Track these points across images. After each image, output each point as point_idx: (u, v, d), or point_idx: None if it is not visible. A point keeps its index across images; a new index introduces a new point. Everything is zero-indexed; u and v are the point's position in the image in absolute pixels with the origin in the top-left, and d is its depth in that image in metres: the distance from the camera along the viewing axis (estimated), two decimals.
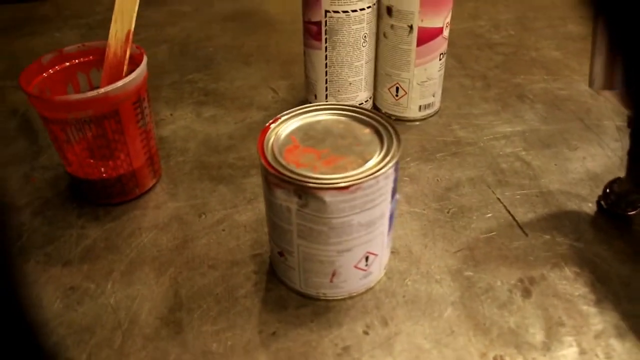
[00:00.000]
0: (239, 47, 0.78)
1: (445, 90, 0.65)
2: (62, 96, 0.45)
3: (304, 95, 0.62)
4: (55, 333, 0.41)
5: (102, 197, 0.51)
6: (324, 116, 0.42)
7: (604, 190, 0.49)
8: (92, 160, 0.49)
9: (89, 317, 0.42)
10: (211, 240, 0.48)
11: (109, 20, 0.50)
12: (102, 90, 0.44)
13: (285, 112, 0.41)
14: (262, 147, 0.38)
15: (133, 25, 0.49)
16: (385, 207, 0.38)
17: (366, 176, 0.36)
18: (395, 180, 0.39)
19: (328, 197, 0.35)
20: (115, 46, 0.50)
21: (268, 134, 0.40)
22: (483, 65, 0.71)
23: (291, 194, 0.37)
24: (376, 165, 0.36)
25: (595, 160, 0.55)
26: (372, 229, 0.39)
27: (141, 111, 0.48)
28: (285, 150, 0.39)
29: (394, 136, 0.39)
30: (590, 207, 0.50)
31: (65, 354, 0.39)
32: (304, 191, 0.36)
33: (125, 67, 0.50)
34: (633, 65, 0.39)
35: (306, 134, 0.40)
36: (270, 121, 0.41)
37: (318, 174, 0.36)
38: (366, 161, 0.37)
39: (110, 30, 0.50)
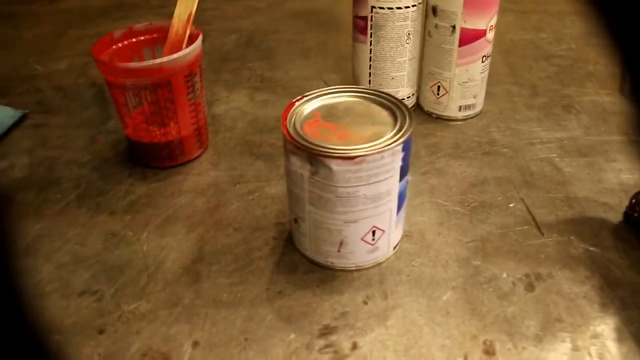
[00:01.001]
0: (300, 42, 0.82)
1: (491, 95, 0.66)
2: (122, 63, 0.51)
3: None
4: (92, 268, 0.46)
5: (151, 160, 0.57)
6: (348, 97, 0.45)
7: (630, 200, 0.49)
8: (145, 125, 0.54)
9: (123, 259, 0.47)
10: (240, 207, 0.52)
11: None
12: (157, 61, 0.50)
13: (311, 92, 0.45)
14: (285, 119, 0.42)
15: (195, 8, 0.55)
16: (392, 184, 0.41)
17: (372, 150, 0.38)
18: (405, 160, 0.41)
19: (334, 165, 0.38)
20: (178, 26, 0.56)
21: (293, 109, 0.43)
22: (535, 75, 0.72)
23: (304, 161, 0.40)
24: (383, 142, 0.39)
25: (633, 174, 0.54)
26: (378, 204, 0.41)
27: (192, 85, 0.53)
28: (306, 124, 0.42)
29: (407, 120, 0.41)
30: (615, 217, 0.50)
31: (96, 286, 0.45)
32: (315, 159, 0.39)
33: (184, 45, 0.55)
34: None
35: (328, 112, 0.43)
36: (297, 98, 0.44)
37: (329, 144, 0.39)
38: (377, 138, 0.40)
39: (175, 12, 0.56)
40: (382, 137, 0.40)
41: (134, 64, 0.49)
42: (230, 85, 0.72)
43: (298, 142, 0.39)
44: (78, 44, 0.85)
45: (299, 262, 0.46)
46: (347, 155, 0.38)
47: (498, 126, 0.62)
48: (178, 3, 0.56)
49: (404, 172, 0.42)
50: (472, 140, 0.60)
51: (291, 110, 0.43)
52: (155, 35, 0.58)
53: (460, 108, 0.62)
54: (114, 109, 0.55)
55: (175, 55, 0.50)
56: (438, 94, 0.62)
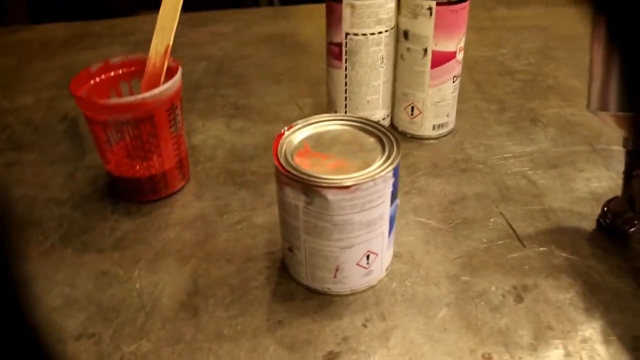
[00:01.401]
0: (270, 67, 0.83)
1: (461, 112, 0.68)
2: (104, 99, 0.50)
3: (326, 111, 0.67)
4: (86, 310, 0.46)
5: (134, 195, 0.56)
6: (334, 126, 0.46)
7: (602, 208, 0.51)
8: (127, 160, 0.54)
9: (117, 298, 0.47)
10: (230, 238, 0.52)
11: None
12: (139, 96, 0.50)
13: (299, 121, 0.46)
14: (276, 150, 0.43)
15: (172, 41, 0.55)
16: (384, 209, 0.42)
17: (365, 178, 0.39)
18: (395, 186, 0.42)
19: (330, 195, 0.39)
20: (155, 59, 0.56)
21: (282, 139, 0.44)
22: (501, 91, 0.75)
23: (299, 192, 0.41)
24: (375, 169, 0.40)
25: (600, 182, 0.58)
26: (372, 229, 0.42)
27: (174, 118, 0.54)
28: (296, 154, 0.43)
29: (395, 146, 0.43)
30: (589, 225, 0.52)
31: (92, 329, 0.44)
32: (310, 189, 0.40)
33: (162, 78, 0.55)
34: (631, 86, 0.42)
35: (317, 141, 0.45)
36: (286, 128, 0.45)
37: (323, 175, 0.40)
38: (368, 166, 0.41)
39: (152, 45, 0.56)
40: (372, 164, 0.41)
41: (115, 100, 0.50)
42: (205, 113, 0.72)
43: (291, 174, 0.40)
44: (43, 76, 0.84)
45: (295, 290, 0.47)
46: (342, 184, 0.39)
47: (471, 142, 0.64)
48: (154, 35, 0.56)
49: (393, 196, 0.43)
50: (448, 158, 0.62)
51: (280, 141, 0.44)
52: (132, 68, 0.58)
53: (434, 127, 0.64)
54: (95, 145, 0.55)
55: (157, 90, 0.51)
56: (412, 115, 0.64)
